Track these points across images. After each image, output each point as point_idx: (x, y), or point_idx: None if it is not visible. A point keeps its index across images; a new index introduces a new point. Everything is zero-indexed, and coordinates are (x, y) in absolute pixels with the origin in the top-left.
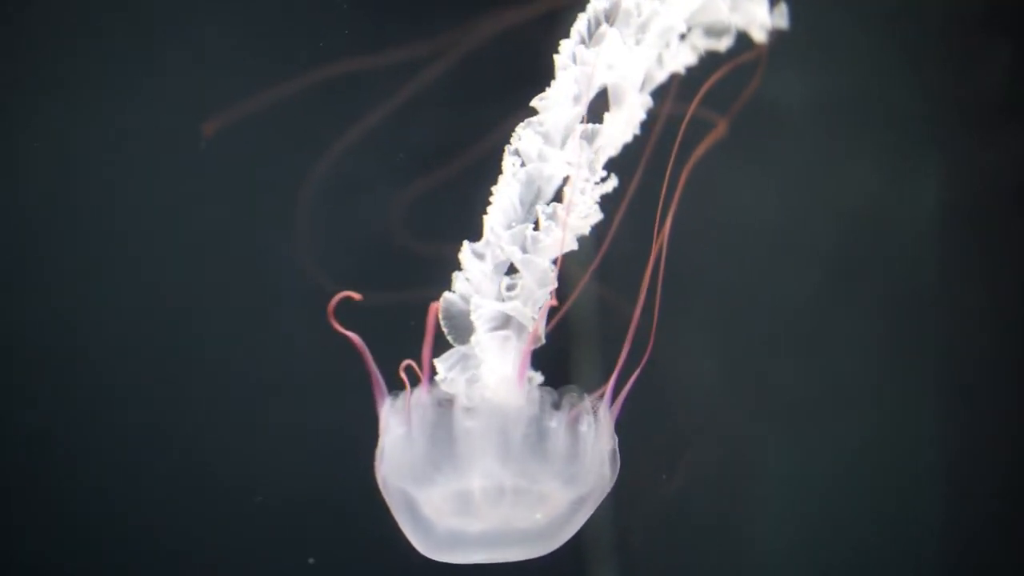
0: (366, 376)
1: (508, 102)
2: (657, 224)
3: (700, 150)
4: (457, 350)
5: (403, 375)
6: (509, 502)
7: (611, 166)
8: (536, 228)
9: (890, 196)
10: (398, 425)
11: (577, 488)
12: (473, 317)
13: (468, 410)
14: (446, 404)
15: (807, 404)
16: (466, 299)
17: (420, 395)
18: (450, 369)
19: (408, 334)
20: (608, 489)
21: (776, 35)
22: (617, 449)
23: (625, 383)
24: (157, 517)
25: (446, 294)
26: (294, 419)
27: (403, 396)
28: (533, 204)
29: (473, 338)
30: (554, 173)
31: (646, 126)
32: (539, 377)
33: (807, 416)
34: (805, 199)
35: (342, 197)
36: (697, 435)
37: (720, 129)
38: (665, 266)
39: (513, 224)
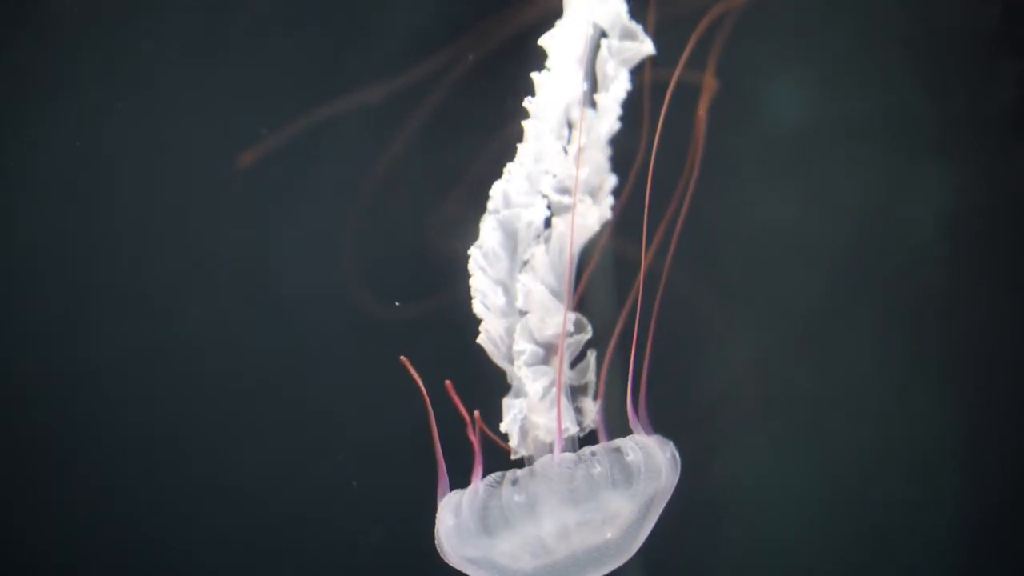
0: (401, 395)
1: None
2: (662, 229)
3: (701, 112)
4: (511, 406)
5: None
6: (578, 536)
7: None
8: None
9: (903, 204)
10: (450, 516)
11: (639, 503)
12: (517, 371)
13: (516, 483)
14: (493, 486)
15: (820, 404)
16: (497, 343)
17: (470, 485)
18: (511, 424)
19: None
20: (672, 488)
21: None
22: (675, 452)
23: (642, 389)
24: (180, 533)
25: (479, 340)
26: (328, 438)
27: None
28: (516, 249)
29: (517, 384)
30: (533, 219)
31: (651, 130)
32: (577, 426)
33: (820, 416)
34: (819, 206)
35: (377, 215)
36: (715, 436)
37: (710, 85)
38: (679, 272)
39: (499, 273)
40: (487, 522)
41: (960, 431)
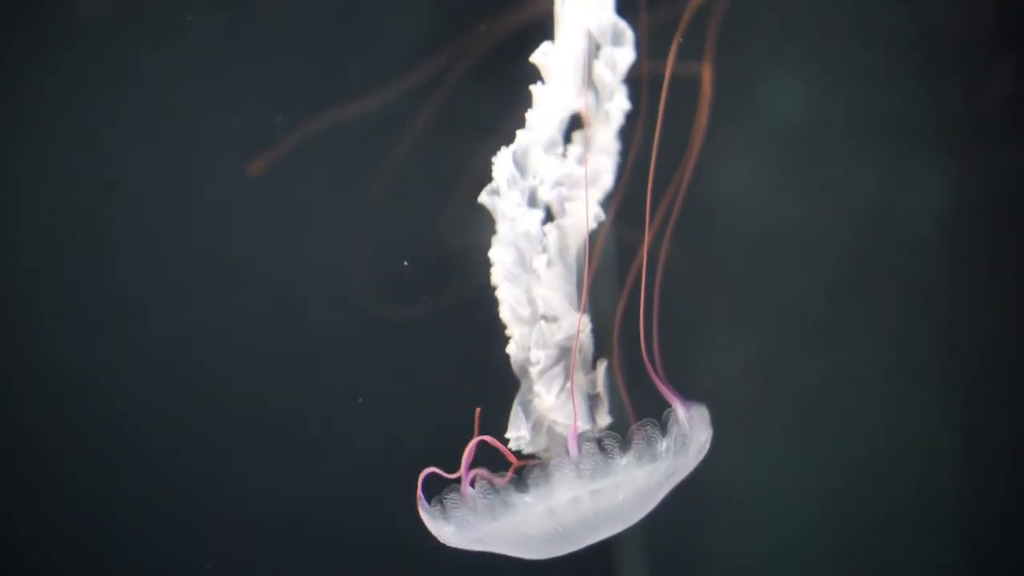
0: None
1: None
2: (658, 227)
3: (700, 107)
4: (518, 407)
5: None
6: (590, 503)
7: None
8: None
9: (902, 201)
10: (447, 523)
11: (659, 477)
12: (531, 370)
13: (526, 487)
14: (495, 492)
15: (818, 402)
16: (523, 350)
17: (466, 489)
18: (518, 428)
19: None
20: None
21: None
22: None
23: (653, 375)
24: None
25: (508, 349)
26: (341, 450)
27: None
28: (523, 261)
29: (531, 385)
30: (529, 228)
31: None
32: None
33: (819, 414)
34: (818, 203)
35: (382, 217)
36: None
37: (706, 73)
38: (677, 269)
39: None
40: (495, 515)
41: (960, 431)
